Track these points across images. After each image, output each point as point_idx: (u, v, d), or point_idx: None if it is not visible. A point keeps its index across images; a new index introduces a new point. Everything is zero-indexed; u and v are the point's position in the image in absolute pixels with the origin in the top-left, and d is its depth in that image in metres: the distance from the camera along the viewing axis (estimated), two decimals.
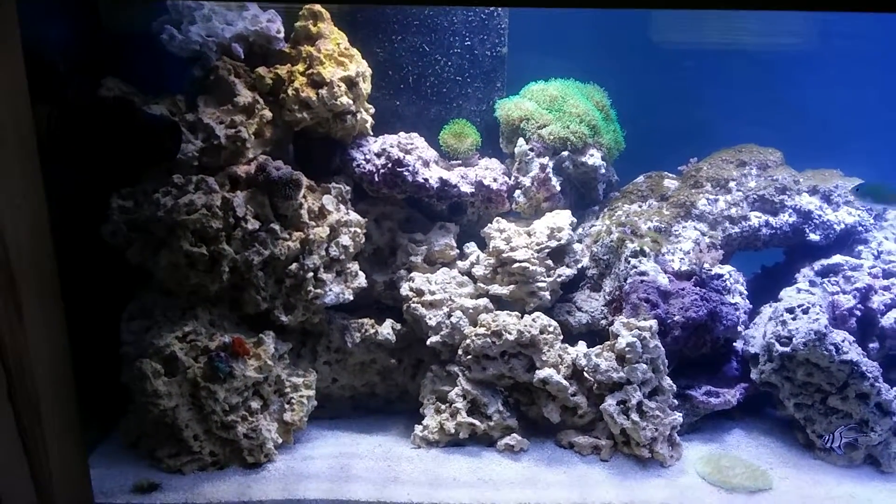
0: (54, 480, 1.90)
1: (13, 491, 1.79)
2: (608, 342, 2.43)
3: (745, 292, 2.64)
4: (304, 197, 2.44)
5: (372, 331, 2.56)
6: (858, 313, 2.53)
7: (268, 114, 2.46)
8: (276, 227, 2.36)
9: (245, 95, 2.43)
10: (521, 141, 2.72)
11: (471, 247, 2.74)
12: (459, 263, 2.73)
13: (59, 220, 1.89)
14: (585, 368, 2.40)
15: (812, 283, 2.62)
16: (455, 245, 2.72)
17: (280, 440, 2.39)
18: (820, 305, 2.46)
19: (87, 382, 2.05)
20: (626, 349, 2.34)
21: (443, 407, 2.50)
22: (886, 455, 2.36)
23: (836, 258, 2.66)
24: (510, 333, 2.40)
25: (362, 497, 2.18)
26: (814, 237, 2.72)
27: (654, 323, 2.37)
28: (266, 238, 2.34)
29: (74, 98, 2.26)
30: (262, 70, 2.49)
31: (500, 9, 2.68)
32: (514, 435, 2.44)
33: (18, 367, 1.76)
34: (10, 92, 1.71)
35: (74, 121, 2.15)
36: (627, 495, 2.22)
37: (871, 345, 2.54)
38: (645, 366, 2.34)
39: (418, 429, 2.48)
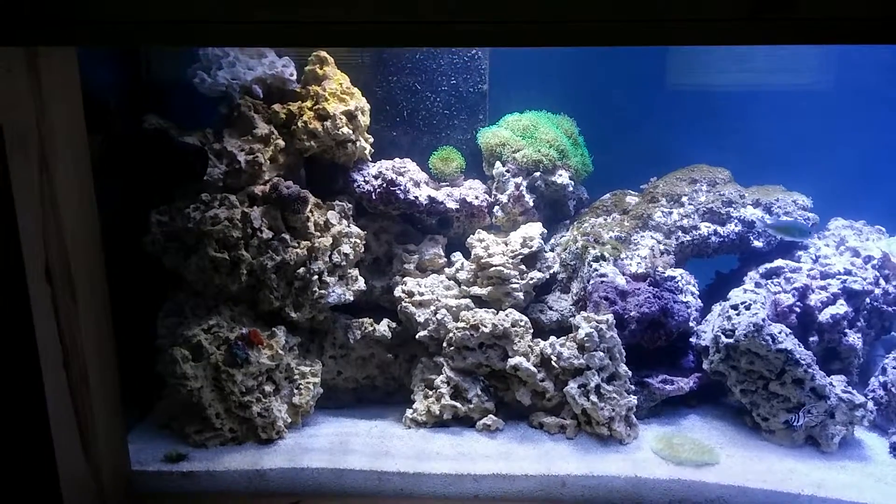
0: (99, 440, 2.22)
1: (65, 445, 2.09)
2: (571, 334, 2.74)
3: (697, 292, 2.93)
4: (311, 212, 2.81)
5: (370, 328, 2.88)
6: (798, 310, 2.80)
7: (281, 143, 2.83)
8: (287, 236, 2.72)
9: (262, 128, 2.80)
10: (498, 164, 3.07)
11: (457, 256, 3.06)
12: (447, 270, 3.05)
13: (107, 228, 2.24)
14: (551, 356, 2.71)
15: (757, 284, 2.91)
16: (443, 254, 3.05)
17: (289, 420, 2.72)
18: (761, 303, 2.75)
19: (128, 373, 2.38)
20: (585, 339, 2.66)
21: (430, 392, 2.82)
22: (824, 436, 2.60)
23: (778, 262, 2.95)
24: (486, 327, 2.73)
25: (357, 467, 2.47)
26: (757, 244, 3.02)
27: (609, 317, 2.69)
28: (278, 246, 2.70)
29: (121, 130, 2.67)
30: (277, 106, 2.86)
31: (480, 52, 3.07)
32: (491, 416, 2.73)
33: (73, 343, 2.10)
34: (71, 123, 2.10)
35: (121, 148, 2.60)
36: (587, 467, 2.49)
37: (811, 338, 2.80)
38: (602, 353, 2.66)
39: (409, 412, 2.79)
